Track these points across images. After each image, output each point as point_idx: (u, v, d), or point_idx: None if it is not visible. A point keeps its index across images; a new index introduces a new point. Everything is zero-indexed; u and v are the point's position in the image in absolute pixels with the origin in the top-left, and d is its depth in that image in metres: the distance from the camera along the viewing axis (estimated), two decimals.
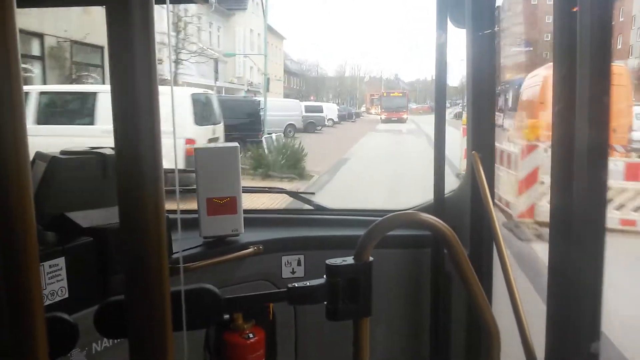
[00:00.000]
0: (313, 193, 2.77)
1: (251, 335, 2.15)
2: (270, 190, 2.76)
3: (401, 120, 53.28)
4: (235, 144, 2.20)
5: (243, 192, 2.19)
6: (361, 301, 1.22)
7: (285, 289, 1.24)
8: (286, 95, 53.81)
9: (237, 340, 2.15)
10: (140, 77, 0.57)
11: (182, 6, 23.00)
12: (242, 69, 44.74)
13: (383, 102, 57.99)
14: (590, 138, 1.42)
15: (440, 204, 2.36)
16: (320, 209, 2.72)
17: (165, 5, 0.85)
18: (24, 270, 0.57)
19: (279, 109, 28.50)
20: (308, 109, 35.89)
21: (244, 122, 19.25)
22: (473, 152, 2.20)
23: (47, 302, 1.60)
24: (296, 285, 1.23)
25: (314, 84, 72.34)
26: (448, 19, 2.22)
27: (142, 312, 0.62)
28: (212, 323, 1.76)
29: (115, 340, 1.70)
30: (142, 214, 0.60)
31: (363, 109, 72.96)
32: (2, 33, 0.52)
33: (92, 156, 1.81)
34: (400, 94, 60.63)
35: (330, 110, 41.96)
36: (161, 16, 0.62)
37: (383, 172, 17.12)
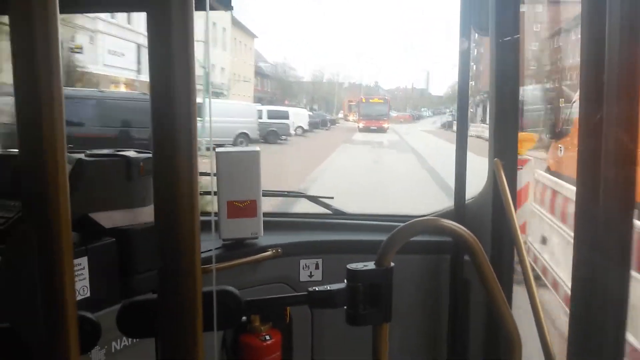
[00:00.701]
0: (332, 197, 2.77)
1: (268, 338, 2.17)
2: (290, 194, 2.75)
3: (381, 130, 47.98)
4: (257, 148, 2.22)
5: (263, 195, 2.21)
6: (381, 306, 1.22)
7: (305, 293, 1.24)
8: (258, 100, 48.81)
9: (253, 342, 2.17)
10: (179, 82, 0.58)
11: None
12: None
13: (361, 109, 51.83)
14: (619, 144, 1.39)
15: (460, 210, 2.36)
16: (338, 213, 2.73)
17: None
18: (60, 270, 0.58)
19: (228, 114, 23.33)
20: (271, 115, 30.80)
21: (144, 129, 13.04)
22: (495, 159, 2.20)
23: None
24: (317, 289, 1.23)
25: (290, 88, 68.30)
26: (472, 27, 2.24)
27: (174, 312, 0.63)
28: (233, 325, 1.76)
29: (134, 340, 1.73)
30: (177, 215, 0.61)
31: (340, 115, 67.86)
32: (46, 38, 0.55)
33: (117, 158, 1.84)
34: (381, 101, 54.39)
35: (299, 116, 36.20)
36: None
37: None
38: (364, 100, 54.28)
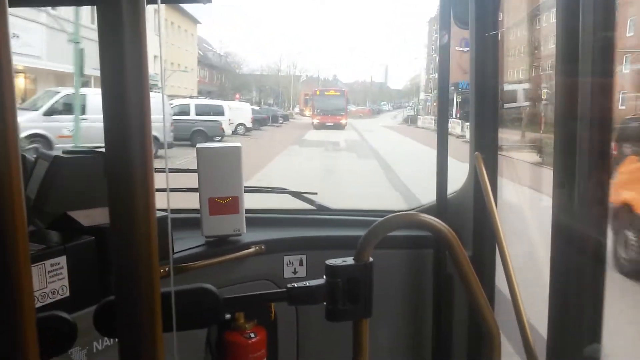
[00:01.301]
0: (315, 193, 2.77)
1: (252, 335, 2.17)
2: (272, 190, 2.72)
3: (339, 127, 42.21)
4: (238, 143, 2.20)
5: (245, 192, 2.19)
6: (361, 302, 1.21)
7: (285, 289, 1.23)
8: (206, 93, 45.79)
9: (238, 340, 2.17)
10: (131, 78, 0.57)
11: None
12: None
13: (316, 103, 44.99)
14: (592, 140, 1.44)
15: (442, 205, 2.36)
16: (322, 209, 2.73)
17: (155, 6, 0.84)
18: (15, 270, 0.57)
19: None
20: (201, 110, 25.22)
21: None
22: (476, 153, 2.21)
23: (48, 301, 1.60)
24: (296, 285, 1.22)
25: (242, 80, 63.07)
26: (452, 20, 2.23)
27: (131, 314, 0.63)
28: (211, 323, 1.76)
29: (116, 340, 1.66)
30: (132, 214, 0.60)
31: (297, 110, 63.80)
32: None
33: (94, 155, 1.82)
34: (338, 93, 47.62)
35: (240, 112, 30.18)
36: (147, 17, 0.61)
37: None
38: (318, 93, 47.51)
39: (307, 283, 1.24)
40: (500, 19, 2.21)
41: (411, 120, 53.56)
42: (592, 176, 1.46)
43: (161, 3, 0.84)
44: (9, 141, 0.54)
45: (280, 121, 43.73)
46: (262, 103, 55.95)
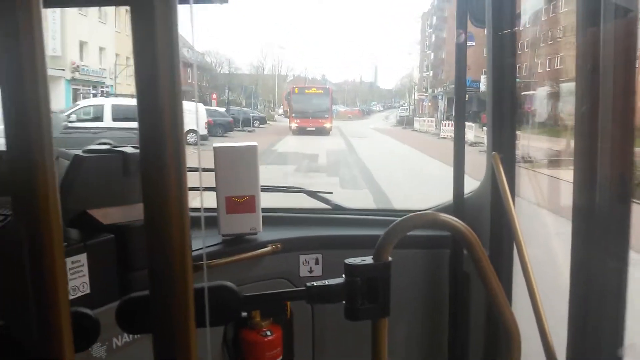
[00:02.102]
0: (331, 192, 2.77)
1: (268, 333, 2.19)
2: (288, 189, 2.73)
3: (322, 132, 34.46)
4: (255, 143, 2.21)
5: (261, 191, 2.20)
6: (380, 301, 1.21)
7: (304, 288, 1.23)
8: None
9: (254, 338, 2.19)
10: (164, 77, 0.58)
11: None
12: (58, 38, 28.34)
13: (294, 103, 36.75)
14: (614, 136, 1.43)
15: (459, 205, 2.36)
16: (338, 208, 2.73)
17: (188, 5, 0.86)
18: (51, 266, 0.59)
19: None
20: (120, 114, 17.91)
21: None
22: (493, 152, 2.20)
23: (70, 298, 1.56)
24: (315, 284, 1.23)
25: (224, 80, 57.42)
26: (468, 18, 2.22)
27: (165, 309, 0.64)
28: (231, 320, 1.77)
29: (135, 336, 1.74)
30: (166, 211, 0.61)
31: (281, 111, 59.14)
32: (30, 33, 0.54)
33: (114, 154, 1.84)
34: (321, 91, 38.64)
35: (190, 115, 18.85)
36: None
37: None
38: (296, 91, 38.04)
39: (327, 282, 1.24)
40: (517, 17, 2.21)
41: (407, 122, 50.10)
42: (614, 176, 1.45)
43: (194, 3, 0.84)
44: (44, 142, 0.56)
45: (256, 124, 37.84)
46: (244, 104, 50.06)
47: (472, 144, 24.51)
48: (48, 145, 0.56)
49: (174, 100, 0.58)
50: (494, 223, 2.27)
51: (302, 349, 2.41)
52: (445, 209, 2.46)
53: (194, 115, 20.25)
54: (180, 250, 0.61)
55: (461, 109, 2.30)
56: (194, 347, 0.64)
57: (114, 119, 17.52)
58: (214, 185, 2.15)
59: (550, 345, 1.71)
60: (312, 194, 2.72)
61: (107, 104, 19.43)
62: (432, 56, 69.75)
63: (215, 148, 2.13)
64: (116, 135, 11.99)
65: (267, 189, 2.45)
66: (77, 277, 1.63)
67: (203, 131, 22.07)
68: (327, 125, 35.86)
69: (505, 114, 2.21)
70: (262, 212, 2.21)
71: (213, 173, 2.14)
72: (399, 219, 1.26)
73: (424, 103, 66.70)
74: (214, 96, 48.97)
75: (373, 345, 1.25)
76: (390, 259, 1.22)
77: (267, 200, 2.29)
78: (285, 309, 2.30)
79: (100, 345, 1.68)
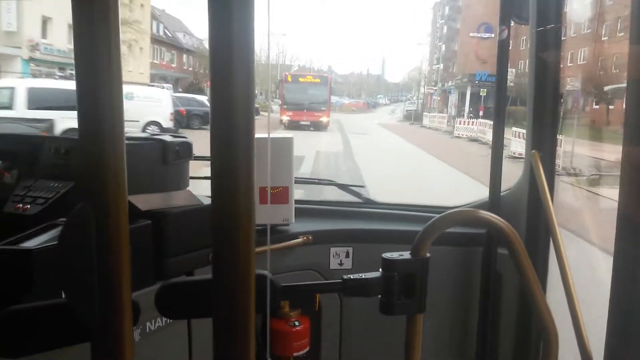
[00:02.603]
0: (363, 186, 2.80)
1: (297, 324, 2.21)
2: (320, 182, 2.75)
3: (318, 127, 30.29)
4: (291, 135, 2.23)
5: (295, 182, 2.21)
6: (416, 297, 1.21)
7: (339, 280, 1.24)
8: (175, 80, 39.45)
9: (283, 328, 2.21)
10: (237, 66, 0.58)
11: None
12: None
13: (287, 93, 31.75)
14: None
15: (495, 202, 2.33)
16: (369, 202, 2.73)
17: None
18: (116, 250, 0.63)
19: None
20: (36, 101, 13.96)
21: None
22: (533, 151, 2.17)
23: None
24: (351, 277, 1.23)
25: None
26: (511, 14, 2.19)
27: (228, 292, 0.65)
28: (270, 309, 1.77)
29: (168, 321, 1.77)
30: (235, 198, 0.62)
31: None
32: (106, 19, 0.56)
33: (153, 142, 1.87)
34: (317, 80, 33.74)
35: (152, 104, 18.17)
36: None
37: None
38: (289, 79, 32.85)
39: (363, 275, 1.24)
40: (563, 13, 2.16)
41: (415, 118, 46.37)
42: None
43: None
44: (115, 124, 0.59)
45: None
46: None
47: (472, 140, 25.30)
48: (119, 133, 0.59)
49: (247, 89, 0.61)
50: (531, 222, 2.23)
51: (329, 341, 2.42)
52: (480, 206, 2.42)
53: (151, 103, 17.81)
54: (245, 235, 0.63)
55: (501, 107, 2.27)
56: (252, 330, 0.66)
57: (30, 107, 13.54)
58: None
59: (587, 347, 1.68)
60: (344, 187, 2.73)
61: (21, 87, 14.40)
62: (443, 48, 66.97)
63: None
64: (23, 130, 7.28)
65: (301, 180, 2.46)
66: None
67: (167, 123, 18.01)
68: (324, 119, 31.14)
69: (548, 113, 2.17)
70: (295, 203, 2.22)
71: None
72: (438, 215, 1.25)
73: (434, 97, 63.84)
74: (208, 84, 44.95)
75: (407, 341, 1.26)
76: (428, 255, 1.22)
77: (298, 192, 2.31)
78: (314, 300, 2.33)
79: (135, 329, 1.72)
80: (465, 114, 43.99)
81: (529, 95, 2.21)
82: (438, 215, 1.25)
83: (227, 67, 0.58)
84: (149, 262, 1.74)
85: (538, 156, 2.13)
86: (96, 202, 0.60)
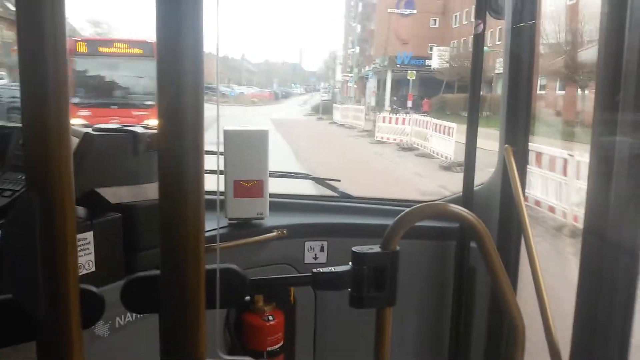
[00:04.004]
0: (339, 180, 2.77)
1: (271, 318, 2.21)
2: (296, 175, 2.73)
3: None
4: (266, 128, 2.20)
5: (269, 176, 2.20)
6: (386, 290, 1.21)
7: (310, 274, 1.24)
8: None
9: (257, 322, 2.20)
10: (186, 59, 0.57)
11: None
12: None
13: (79, 75, 16.14)
14: (633, 139, 1.41)
15: (469, 196, 2.34)
16: (345, 196, 2.72)
17: None
18: (62, 243, 0.60)
19: None
20: None
21: None
22: (506, 145, 2.18)
23: None
24: (321, 270, 1.23)
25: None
26: (487, 9, 2.18)
27: (176, 288, 0.63)
28: (237, 303, 1.78)
29: (138, 315, 1.75)
30: (182, 193, 0.60)
31: None
32: (52, 9, 0.55)
33: (124, 133, 1.83)
34: (136, 50, 16.31)
35: None
36: None
37: None
38: (83, 50, 16.19)
39: (333, 269, 1.24)
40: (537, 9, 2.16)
41: (323, 110, 36.08)
42: (630, 174, 1.43)
43: None
44: (61, 113, 0.57)
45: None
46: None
47: (405, 149, 17.40)
48: (65, 122, 0.57)
49: (195, 78, 0.59)
50: (503, 216, 2.25)
51: (304, 335, 2.42)
52: (454, 200, 2.44)
53: None
54: (194, 230, 0.61)
55: (475, 100, 2.27)
56: (203, 327, 0.64)
57: None
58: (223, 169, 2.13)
59: (555, 342, 1.70)
60: (320, 181, 2.72)
61: None
62: (358, 29, 58.80)
63: (225, 131, 2.12)
64: None
65: (276, 174, 2.44)
66: (83, 254, 1.64)
67: None
68: (150, 122, 15.11)
69: (521, 108, 2.18)
70: (269, 197, 2.21)
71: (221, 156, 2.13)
72: (409, 208, 1.25)
73: (349, 84, 57.67)
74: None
75: (377, 334, 1.25)
76: (398, 248, 1.21)
77: (273, 186, 2.29)
78: (289, 294, 2.33)
79: (103, 324, 1.70)
80: (387, 104, 39.05)
81: (503, 91, 2.23)
82: (408, 209, 1.25)
83: (175, 62, 0.57)
84: (119, 256, 1.72)
85: (511, 151, 2.15)
86: (41, 192, 0.58)
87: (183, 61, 0.57)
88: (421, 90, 37.58)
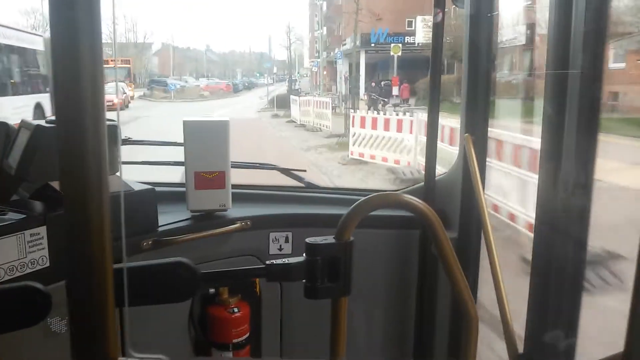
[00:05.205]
0: (304, 170, 2.75)
1: (236, 310, 2.20)
2: (260, 166, 2.71)
3: None
4: (226, 118, 2.18)
5: (232, 167, 2.18)
6: (340, 280, 1.21)
7: (263, 265, 1.23)
8: None
9: (221, 314, 2.20)
10: (84, 58, 0.56)
11: None
12: None
13: None
14: (580, 134, 1.47)
15: (430, 187, 2.35)
16: (310, 186, 2.72)
17: None
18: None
19: None
20: None
21: None
22: (466, 134, 2.19)
23: (28, 271, 1.62)
24: (274, 262, 1.23)
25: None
26: None
27: (82, 293, 0.63)
28: (188, 297, 1.77)
29: None
30: (84, 192, 0.60)
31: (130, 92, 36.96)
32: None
33: None
34: None
35: None
36: None
37: None
38: None
39: (287, 260, 1.23)
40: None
41: (279, 104, 29.52)
42: (578, 169, 1.48)
43: None
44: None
45: None
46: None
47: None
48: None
49: (94, 73, 0.57)
50: (464, 206, 2.27)
51: (270, 326, 2.42)
52: (416, 190, 2.45)
53: None
54: (97, 228, 0.61)
55: (436, 90, 2.27)
56: (112, 331, 0.64)
57: None
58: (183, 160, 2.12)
59: (511, 331, 1.72)
60: (285, 171, 2.70)
61: None
62: (324, 7, 50.62)
63: (184, 122, 2.10)
64: None
65: (238, 165, 2.42)
66: (37, 250, 1.62)
67: None
68: None
69: (481, 97, 2.20)
70: (232, 188, 2.19)
71: (182, 147, 2.11)
72: (362, 198, 1.25)
73: (313, 69, 51.44)
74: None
75: (332, 324, 1.26)
76: (352, 238, 1.21)
77: (237, 177, 2.27)
78: (255, 286, 2.32)
79: (59, 319, 1.68)
80: (361, 92, 31.65)
81: (463, 80, 2.24)
82: (360, 200, 1.25)
83: (72, 54, 0.56)
84: None
85: (471, 139, 2.16)
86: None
87: (80, 62, 0.56)
88: (401, 73, 31.31)
